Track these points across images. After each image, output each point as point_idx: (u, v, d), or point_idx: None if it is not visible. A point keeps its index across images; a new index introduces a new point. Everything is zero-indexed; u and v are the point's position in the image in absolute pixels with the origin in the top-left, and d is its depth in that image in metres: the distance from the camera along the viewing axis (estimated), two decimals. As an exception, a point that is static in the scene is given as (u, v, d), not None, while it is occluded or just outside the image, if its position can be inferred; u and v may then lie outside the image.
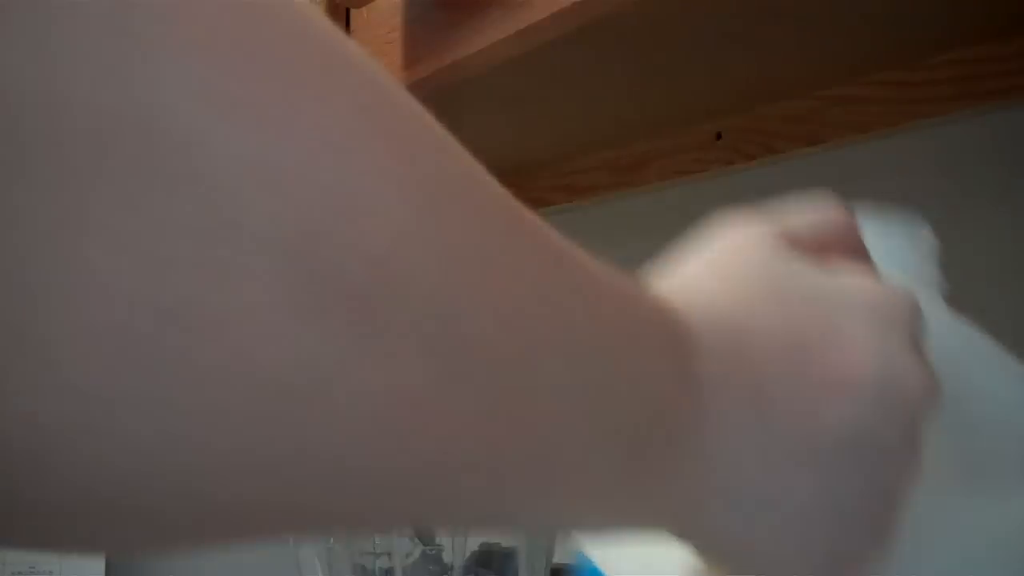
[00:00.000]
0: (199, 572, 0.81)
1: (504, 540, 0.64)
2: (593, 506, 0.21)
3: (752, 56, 0.63)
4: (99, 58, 0.12)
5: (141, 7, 0.13)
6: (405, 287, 0.15)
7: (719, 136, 0.78)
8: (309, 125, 0.14)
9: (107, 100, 0.12)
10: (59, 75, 0.12)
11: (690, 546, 0.24)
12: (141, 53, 0.12)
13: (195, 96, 0.13)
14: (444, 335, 0.15)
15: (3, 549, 0.15)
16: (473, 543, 0.64)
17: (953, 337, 0.30)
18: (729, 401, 0.22)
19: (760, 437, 0.23)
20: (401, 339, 0.15)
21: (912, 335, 0.25)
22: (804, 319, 0.24)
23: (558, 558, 0.64)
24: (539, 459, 0.18)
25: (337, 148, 0.14)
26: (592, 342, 0.19)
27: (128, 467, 0.13)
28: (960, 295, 0.66)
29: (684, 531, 0.23)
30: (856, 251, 0.29)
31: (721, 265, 0.26)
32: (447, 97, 0.69)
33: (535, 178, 0.96)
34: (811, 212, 0.29)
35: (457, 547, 0.63)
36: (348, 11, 0.70)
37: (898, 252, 0.33)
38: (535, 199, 0.96)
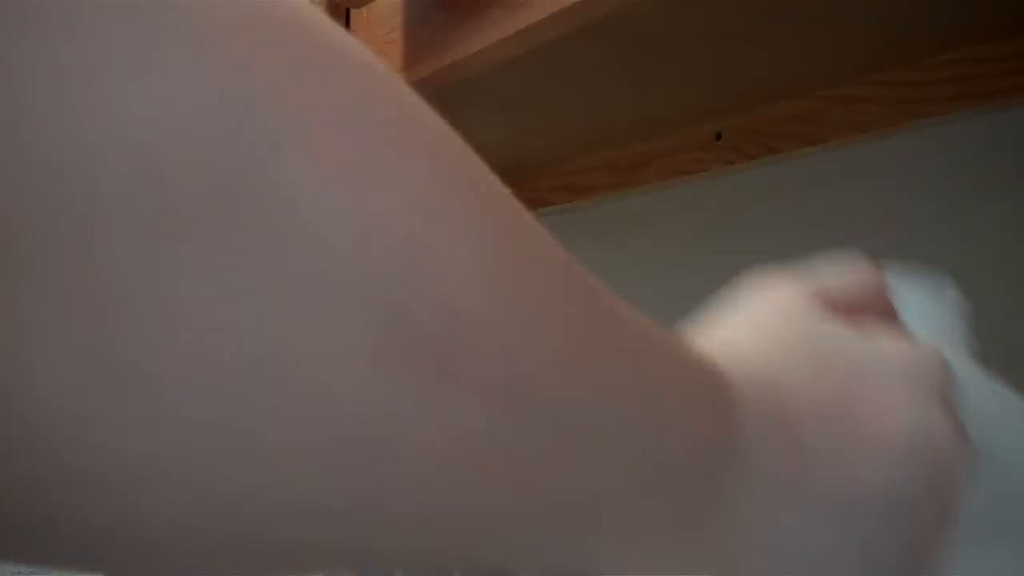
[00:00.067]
0: None
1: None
2: (633, 554, 0.22)
3: (752, 56, 0.63)
4: (222, 121, 0.13)
5: (260, 75, 0.14)
6: (475, 338, 0.16)
7: (719, 136, 0.78)
8: (398, 184, 0.15)
9: (228, 160, 0.13)
10: (185, 133, 0.13)
11: None
12: (261, 116, 0.13)
13: (304, 157, 0.14)
14: (507, 384, 0.16)
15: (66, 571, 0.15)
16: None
17: (983, 394, 0.31)
18: (768, 456, 0.23)
19: (797, 492, 0.23)
20: (469, 387, 0.15)
21: (942, 394, 0.26)
22: (839, 378, 0.25)
23: None
24: (584, 508, 0.19)
25: (420, 206, 0.15)
26: (642, 396, 0.20)
27: (214, 499, 0.14)
28: (960, 295, 0.66)
29: None
30: (886, 312, 0.29)
31: (758, 324, 0.27)
32: (447, 97, 0.69)
33: (535, 178, 0.96)
34: (843, 273, 0.30)
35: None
36: (348, 11, 0.70)
37: (927, 311, 0.34)
38: (535, 199, 0.96)
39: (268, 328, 0.13)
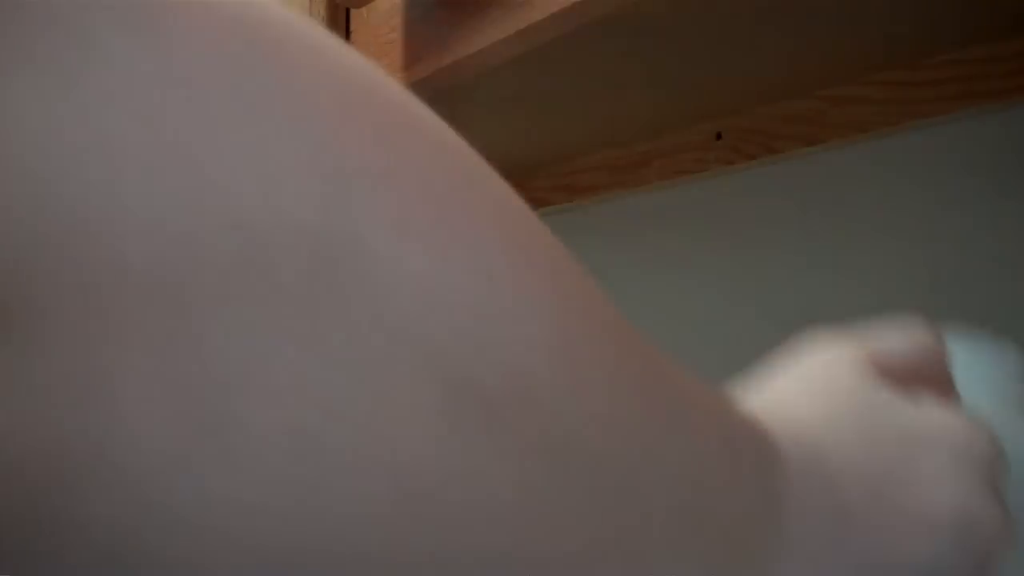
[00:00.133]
0: None
1: None
2: None
3: (752, 56, 0.63)
4: (318, 194, 0.14)
5: (353, 148, 0.14)
6: (536, 399, 0.16)
7: (719, 136, 0.78)
8: (472, 252, 0.16)
9: (322, 231, 0.14)
10: (284, 207, 0.13)
11: None
12: (353, 189, 0.14)
13: (389, 227, 0.14)
14: (564, 444, 0.17)
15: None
16: None
17: None
18: (809, 523, 0.23)
19: (836, 561, 0.23)
20: (527, 445, 0.16)
21: (991, 476, 0.26)
22: (887, 450, 0.25)
23: None
24: (624, 564, 0.19)
25: (492, 274, 0.16)
26: (689, 459, 0.20)
27: (287, 545, 0.14)
28: (961, 295, 0.67)
29: None
30: (942, 381, 0.29)
31: (810, 387, 0.27)
32: (447, 97, 0.69)
33: (535, 178, 0.96)
34: (900, 337, 0.29)
35: None
36: (348, 11, 0.70)
37: (986, 375, 0.34)
38: (535, 199, 0.96)
39: (346, 387, 0.14)
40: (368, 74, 0.16)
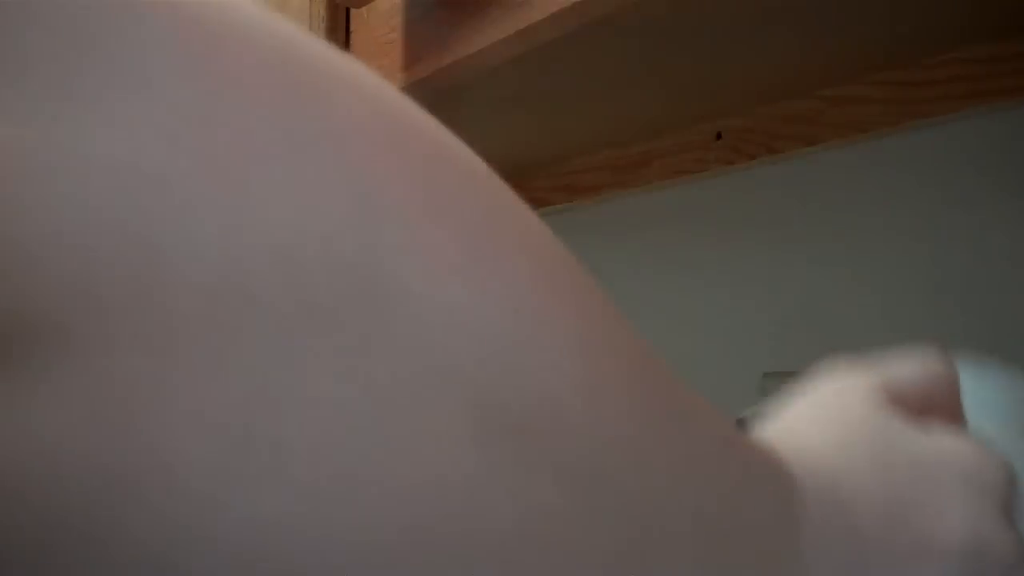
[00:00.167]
0: None
1: None
2: None
3: (752, 56, 0.63)
4: (361, 227, 0.14)
5: (394, 182, 0.15)
6: (562, 425, 0.17)
7: (719, 136, 0.78)
8: (504, 284, 0.16)
9: (364, 262, 0.14)
10: (328, 239, 0.14)
11: None
12: (394, 222, 0.15)
13: (427, 259, 0.15)
14: (588, 469, 0.17)
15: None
16: None
17: None
18: (825, 551, 0.23)
19: None
20: (552, 469, 0.16)
21: (1003, 502, 0.26)
22: (900, 477, 0.25)
23: None
24: None
25: (523, 305, 0.16)
26: (708, 487, 0.20)
27: (319, 561, 0.15)
28: (961, 295, 0.67)
29: None
30: (953, 410, 0.30)
31: (824, 417, 0.27)
32: (447, 97, 0.69)
33: (535, 178, 0.96)
34: (912, 365, 0.30)
35: None
36: (348, 11, 0.70)
37: (993, 399, 0.34)
38: (535, 199, 0.96)
39: (383, 412, 0.14)
40: (403, 108, 0.17)
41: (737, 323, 0.79)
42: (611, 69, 0.66)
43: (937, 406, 0.29)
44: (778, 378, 0.74)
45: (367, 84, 0.16)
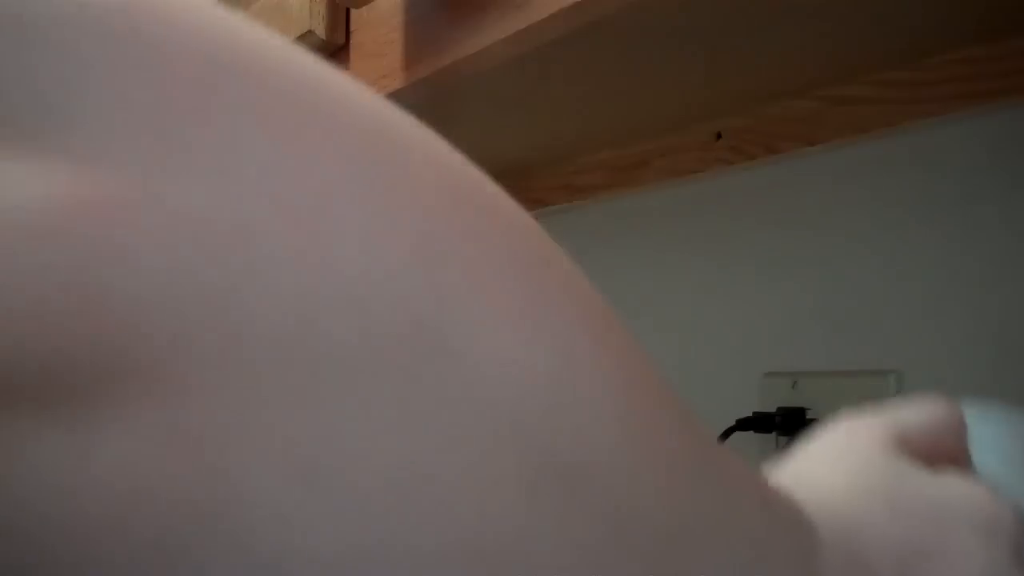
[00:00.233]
0: None
1: None
2: None
3: (752, 56, 0.63)
4: (421, 274, 0.15)
5: (452, 233, 0.16)
6: (603, 467, 0.17)
7: (719, 136, 0.78)
8: (552, 333, 0.17)
9: (422, 308, 0.15)
10: (391, 286, 0.15)
11: None
12: (451, 271, 0.16)
13: (481, 307, 0.16)
14: (625, 509, 0.18)
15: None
16: None
17: None
18: None
19: None
20: (591, 509, 0.17)
21: (1016, 549, 0.26)
22: (916, 524, 0.26)
23: None
24: None
25: (569, 352, 0.17)
26: (739, 530, 0.21)
27: None
28: (960, 295, 0.67)
29: None
30: (962, 455, 0.31)
31: (839, 464, 0.28)
32: (447, 97, 0.69)
33: (535, 178, 0.96)
34: (921, 411, 0.31)
35: None
36: (348, 11, 0.70)
37: (1002, 447, 0.35)
38: (535, 199, 0.96)
39: (435, 453, 0.15)
40: (461, 166, 0.18)
41: (737, 323, 0.79)
42: (611, 69, 0.66)
43: (945, 450, 0.30)
44: (778, 378, 0.74)
45: (427, 139, 0.17)
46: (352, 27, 0.70)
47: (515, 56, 0.58)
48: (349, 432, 0.14)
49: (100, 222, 0.13)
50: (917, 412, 0.30)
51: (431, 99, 0.69)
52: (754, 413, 0.74)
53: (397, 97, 0.65)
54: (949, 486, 0.27)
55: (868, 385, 0.68)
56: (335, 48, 0.71)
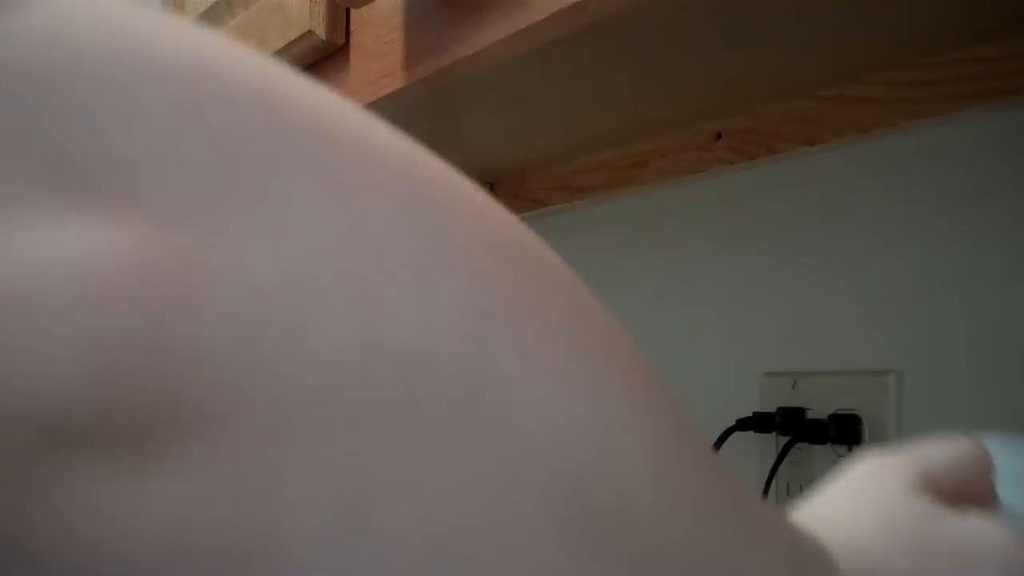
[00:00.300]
0: None
1: None
2: None
3: (752, 56, 0.63)
4: (469, 328, 0.16)
5: (497, 290, 0.17)
6: (634, 514, 0.18)
7: (719, 136, 0.78)
8: (588, 383, 0.18)
9: (468, 358, 0.16)
10: (439, 336, 0.15)
11: None
12: (495, 325, 0.16)
13: (522, 359, 0.16)
14: (655, 554, 0.18)
15: None
16: None
17: None
18: None
19: None
20: (623, 554, 0.18)
21: None
22: (939, 564, 0.26)
23: None
24: None
25: (604, 402, 0.18)
26: (763, 571, 0.21)
27: None
28: (960, 295, 0.67)
29: None
30: (987, 492, 0.31)
31: (862, 503, 0.28)
32: (447, 97, 0.69)
33: (535, 178, 0.96)
34: (945, 449, 0.31)
35: None
36: (348, 11, 0.70)
37: (1019, 475, 0.35)
38: (535, 199, 0.96)
39: (476, 503, 0.16)
40: (505, 219, 0.18)
41: (737, 323, 0.79)
42: (611, 69, 0.66)
43: (970, 488, 0.30)
44: (778, 378, 0.74)
45: (468, 191, 0.18)
46: (352, 27, 0.70)
47: (515, 56, 0.58)
48: (391, 484, 0.15)
49: (168, 281, 0.13)
50: (941, 450, 0.31)
51: (431, 99, 0.69)
52: (754, 413, 0.74)
53: (397, 97, 0.65)
54: (973, 527, 0.27)
55: (868, 385, 0.68)
56: (335, 48, 0.71)
